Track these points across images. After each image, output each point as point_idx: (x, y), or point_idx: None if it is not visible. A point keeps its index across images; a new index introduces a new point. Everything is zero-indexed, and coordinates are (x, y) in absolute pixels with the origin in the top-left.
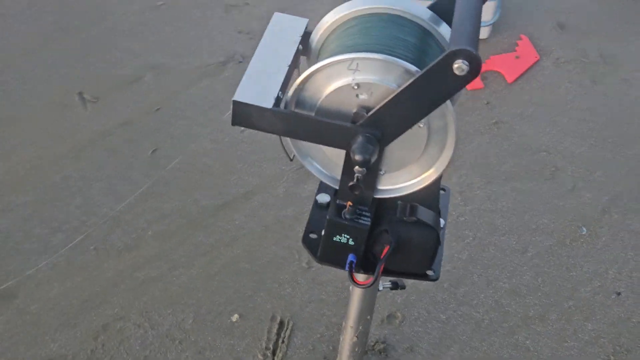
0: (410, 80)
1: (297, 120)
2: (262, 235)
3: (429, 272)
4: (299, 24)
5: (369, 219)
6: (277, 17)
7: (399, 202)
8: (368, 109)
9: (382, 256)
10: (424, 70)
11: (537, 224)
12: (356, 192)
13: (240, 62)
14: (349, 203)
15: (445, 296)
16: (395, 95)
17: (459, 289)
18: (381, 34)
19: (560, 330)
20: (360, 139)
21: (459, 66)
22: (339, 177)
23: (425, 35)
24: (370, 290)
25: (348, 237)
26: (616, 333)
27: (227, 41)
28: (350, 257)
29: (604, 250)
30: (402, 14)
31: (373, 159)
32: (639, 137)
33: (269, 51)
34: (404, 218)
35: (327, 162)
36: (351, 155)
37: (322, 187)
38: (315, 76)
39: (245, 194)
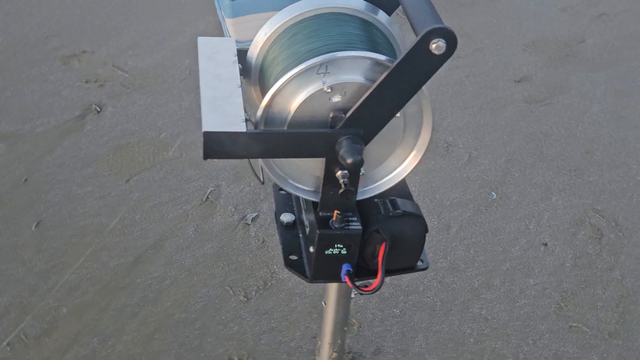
0: (389, 70)
1: (275, 138)
2: (187, 280)
3: (419, 263)
4: (229, 44)
5: (359, 223)
6: (203, 41)
7: (376, 200)
8: (344, 110)
9: (380, 255)
10: (402, 56)
11: (450, 200)
12: (349, 197)
13: (99, 111)
14: (336, 212)
15: (392, 290)
16: (375, 89)
17: (402, 279)
18: (332, 33)
19: (508, 292)
20: (345, 141)
21: (437, 45)
22: (314, 189)
23: (368, 26)
24: (345, 300)
25: (341, 246)
26: (557, 281)
27: (77, 93)
28: (346, 267)
29: (518, 208)
30: (342, 11)
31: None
32: (508, 98)
33: (213, 76)
34: (390, 214)
35: (302, 176)
36: (340, 160)
37: (281, 208)
38: (283, 89)
39: (154, 243)
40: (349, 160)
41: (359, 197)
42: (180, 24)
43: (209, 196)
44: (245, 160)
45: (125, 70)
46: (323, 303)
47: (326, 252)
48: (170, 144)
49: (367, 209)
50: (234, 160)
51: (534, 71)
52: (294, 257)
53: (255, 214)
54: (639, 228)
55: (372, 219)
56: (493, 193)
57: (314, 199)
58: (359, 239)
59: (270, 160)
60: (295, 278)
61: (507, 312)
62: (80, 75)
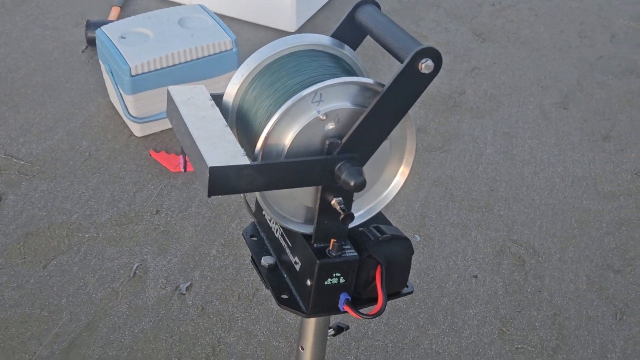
0: (382, 92)
1: (278, 168)
2: (130, 358)
3: (404, 288)
4: (200, 90)
5: (353, 250)
6: (174, 89)
7: (360, 229)
8: (339, 136)
9: (378, 277)
10: (393, 78)
11: None
12: (349, 221)
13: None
14: (333, 240)
15: (341, 339)
16: (370, 112)
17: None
18: (312, 66)
19: (452, 325)
20: (344, 166)
21: (426, 64)
22: (302, 221)
23: (339, 60)
24: (322, 341)
25: (339, 275)
26: (494, 308)
27: None
28: (344, 296)
29: (442, 247)
30: (313, 47)
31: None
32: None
33: (197, 119)
34: (380, 239)
35: (294, 210)
36: (343, 184)
37: (258, 253)
38: (279, 121)
39: (87, 326)
40: (352, 183)
41: (352, 225)
42: (69, 108)
43: (137, 271)
44: (169, 235)
45: (19, 157)
46: (300, 348)
47: (325, 283)
48: (83, 225)
49: (355, 238)
50: (154, 234)
51: (427, 123)
52: (285, 296)
53: (188, 283)
54: (554, 251)
55: (363, 246)
56: (417, 236)
57: (305, 232)
58: (357, 265)
59: (266, 195)
60: (244, 340)
61: (456, 344)
62: None
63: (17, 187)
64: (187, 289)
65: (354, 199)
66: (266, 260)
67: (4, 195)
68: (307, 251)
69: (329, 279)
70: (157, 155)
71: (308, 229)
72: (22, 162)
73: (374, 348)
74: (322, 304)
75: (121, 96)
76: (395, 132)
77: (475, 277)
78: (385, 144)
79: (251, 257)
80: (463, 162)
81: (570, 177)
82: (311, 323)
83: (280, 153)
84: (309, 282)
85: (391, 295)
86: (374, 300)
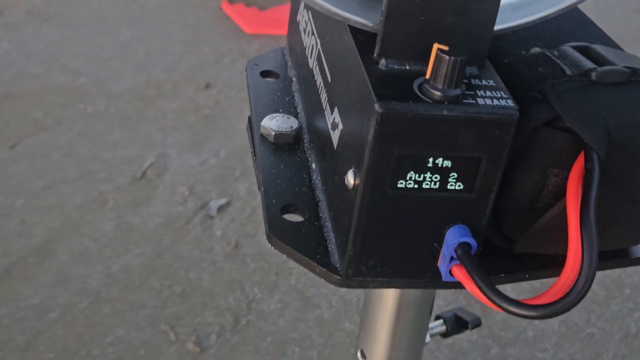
0: None
1: None
2: (91, 312)
3: None
4: None
5: (505, 93)
6: None
7: (536, 49)
8: None
9: (573, 186)
10: None
11: None
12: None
13: None
14: (438, 50)
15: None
16: None
17: (494, 314)
18: None
19: None
20: None
21: None
22: None
23: None
24: (411, 348)
25: (449, 165)
26: None
27: None
28: (459, 233)
29: None
30: None
31: None
32: (632, 34)
33: None
34: (592, 75)
35: None
36: None
37: (265, 103)
38: None
39: (42, 246)
40: None
41: (499, 26)
42: None
43: (147, 171)
44: (213, 123)
45: None
46: (359, 356)
47: (398, 184)
48: (90, 93)
49: (516, 68)
50: (192, 117)
51: None
52: (295, 218)
53: (223, 201)
54: None
55: (536, 87)
56: None
57: (357, 20)
58: (510, 139)
59: None
60: (293, 307)
61: None
62: None
63: (17, 32)
64: (219, 209)
65: None
66: (275, 123)
67: None
68: (357, 80)
69: (413, 174)
70: (231, 8)
71: (364, 17)
72: (36, 1)
73: None
74: (385, 248)
75: None
76: None
77: None
78: None
79: (248, 117)
80: None
81: None
82: (380, 298)
83: None
84: (351, 179)
85: (609, 253)
86: (549, 262)
